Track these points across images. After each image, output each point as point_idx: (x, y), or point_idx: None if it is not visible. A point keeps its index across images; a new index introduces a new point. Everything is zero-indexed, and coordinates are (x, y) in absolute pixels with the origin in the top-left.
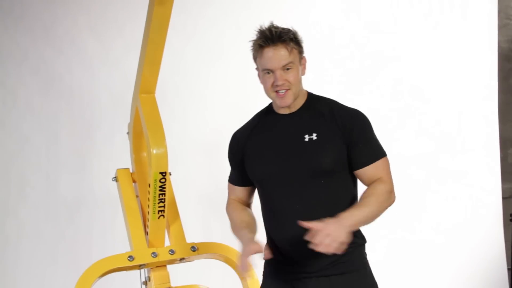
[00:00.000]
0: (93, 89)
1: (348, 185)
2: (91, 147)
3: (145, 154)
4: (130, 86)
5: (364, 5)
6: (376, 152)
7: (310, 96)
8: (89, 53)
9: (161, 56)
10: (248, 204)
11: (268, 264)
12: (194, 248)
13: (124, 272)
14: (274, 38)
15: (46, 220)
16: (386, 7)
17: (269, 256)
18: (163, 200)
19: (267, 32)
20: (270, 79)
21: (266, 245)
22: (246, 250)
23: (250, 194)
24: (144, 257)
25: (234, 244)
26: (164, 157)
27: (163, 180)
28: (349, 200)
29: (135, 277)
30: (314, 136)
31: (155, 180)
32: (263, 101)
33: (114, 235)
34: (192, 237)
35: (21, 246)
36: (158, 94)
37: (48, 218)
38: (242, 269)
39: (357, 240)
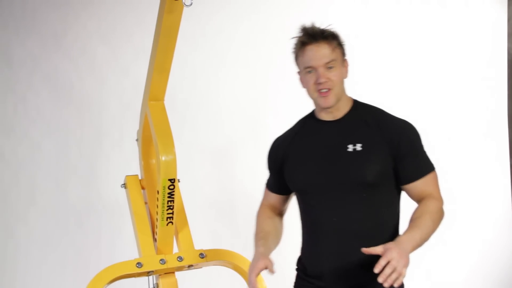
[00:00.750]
0: (102, 96)
1: (391, 200)
2: (101, 153)
3: (154, 161)
4: (140, 93)
5: (373, 14)
6: (424, 166)
7: (356, 103)
8: (99, 61)
9: (171, 63)
10: (280, 212)
11: (298, 276)
12: (202, 255)
13: (133, 278)
14: (316, 35)
15: (56, 226)
16: (394, 14)
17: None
18: (171, 207)
19: (310, 30)
20: (312, 77)
21: (299, 258)
22: (253, 267)
23: (284, 202)
24: (153, 264)
25: (243, 251)
26: (173, 164)
27: (171, 187)
28: (391, 215)
29: (144, 283)
30: (359, 147)
31: (163, 187)
32: (272, 109)
33: (123, 241)
34: (200, 244)
35: (30, 252)
36: (167, 101)
37: (57, 224)
38: (250, 286)
39: None
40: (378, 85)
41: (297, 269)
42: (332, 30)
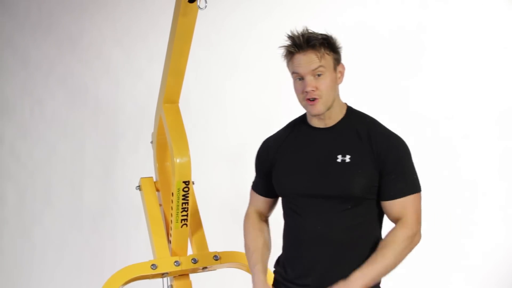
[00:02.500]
0: (117, 99)
1: (376, 213)
2: (116, 156)
3: (168, 163)
4: (154, 96)
5: (391, 17)
6: (408, 186)
7: (349, 111)
8: (114, 64)
9: (185, 66)
10: (267, 217)
11: (279, 277)
12: (216, 257)
13: (147, 280)
14: (302, 44)
15: (71, 228)
16: (411, 17)
17: None
18: (186, 209)
19: (296, 39)
20: (300, 85)
21: (278, 259)
22: None
23: (271, 207)
24: (167, 265)
25: None
26: (187, 166)
27: (186, 189)
28: (374, 227)
29: (158, 285)
30: (347, 158)
31: (178, 189)
32: (286, 111)
33: (138, 243)
34: (214, 246)
35: (47, 253)
36: (182, 103)
37: (73, 226)
38: None
39: None
40: (396, 96)
41: (275, 272)
42: (321, 35)
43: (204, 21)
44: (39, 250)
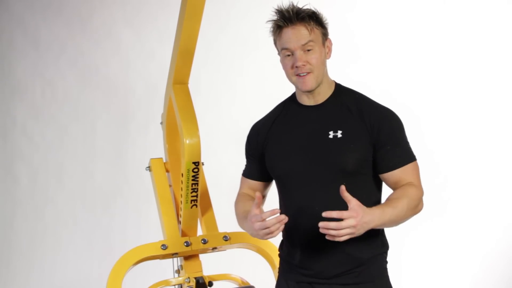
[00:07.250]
0: (128, 79)
1: (372, 188)
2: (126, 137)
3: (178, 144)
4: (165, 77)
5: (414, 11)
6: (405, 156)
7: (338, 87)
8: (125, 45)
9: (195, 46)
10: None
11: (284, 262)
12: (226, 238)
13: (158, 260)
14: (292, 18)
15: (83, 209)
16: (427, 15)
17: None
18: (195, 190)
19: (285, 12)
20: (290, 61)
21: (281, 242)
22: (252, 215)
23: (264, 189)
24: (177, 246)
25: None
26: (197, 147)
27: (196, 170)
28: (372, 203)
29: (168, 265)
30: (339, 134)
31: (188, 169)
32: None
33: (148, 223)
34: (224, 227)
35: (59, 233)
36: (192, 84)
37: (84, 206)
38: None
39: (378, 249)
40: (407, 90)
41: (279, 255)
42: (309, 9)
43: (215, 2)
44: (51, 230)
